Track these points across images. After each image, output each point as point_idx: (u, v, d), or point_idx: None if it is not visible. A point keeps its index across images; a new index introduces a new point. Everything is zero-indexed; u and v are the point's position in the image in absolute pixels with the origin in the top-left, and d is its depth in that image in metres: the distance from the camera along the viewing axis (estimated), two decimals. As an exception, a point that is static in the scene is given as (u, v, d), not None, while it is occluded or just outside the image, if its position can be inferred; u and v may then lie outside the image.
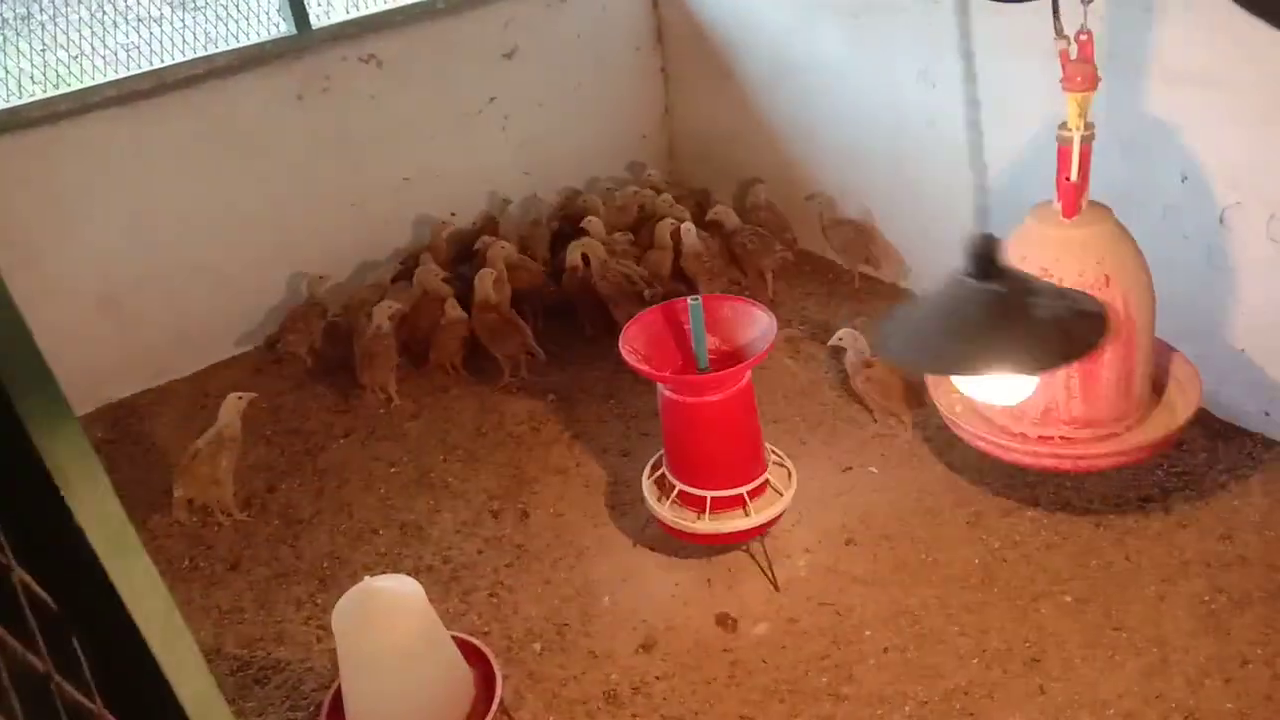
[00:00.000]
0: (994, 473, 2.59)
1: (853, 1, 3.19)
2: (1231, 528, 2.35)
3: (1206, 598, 2.20)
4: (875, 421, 2.87)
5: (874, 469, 2.72)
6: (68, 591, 0.56)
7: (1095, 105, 2.04)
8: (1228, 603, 2.17)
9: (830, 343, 2.87)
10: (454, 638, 2.08)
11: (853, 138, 3.42)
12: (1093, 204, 1.96)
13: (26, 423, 0.52)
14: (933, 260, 3.23)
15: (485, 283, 3.22)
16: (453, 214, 3.84)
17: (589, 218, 3.53)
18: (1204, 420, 2.61)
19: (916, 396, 2.74)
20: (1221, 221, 2.43)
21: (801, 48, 3.46)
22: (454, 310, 3.26)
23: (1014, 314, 1.09)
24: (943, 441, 2.70)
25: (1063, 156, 1.90)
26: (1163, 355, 2.20)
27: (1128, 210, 2.35)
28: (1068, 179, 1.90)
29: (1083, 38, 1.85)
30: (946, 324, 1.15)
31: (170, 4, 3.63)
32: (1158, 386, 2.21)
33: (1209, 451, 2.55)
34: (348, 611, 1.90)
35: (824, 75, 3.41)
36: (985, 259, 1.14)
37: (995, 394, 1.59)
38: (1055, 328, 1.07)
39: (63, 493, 0.53)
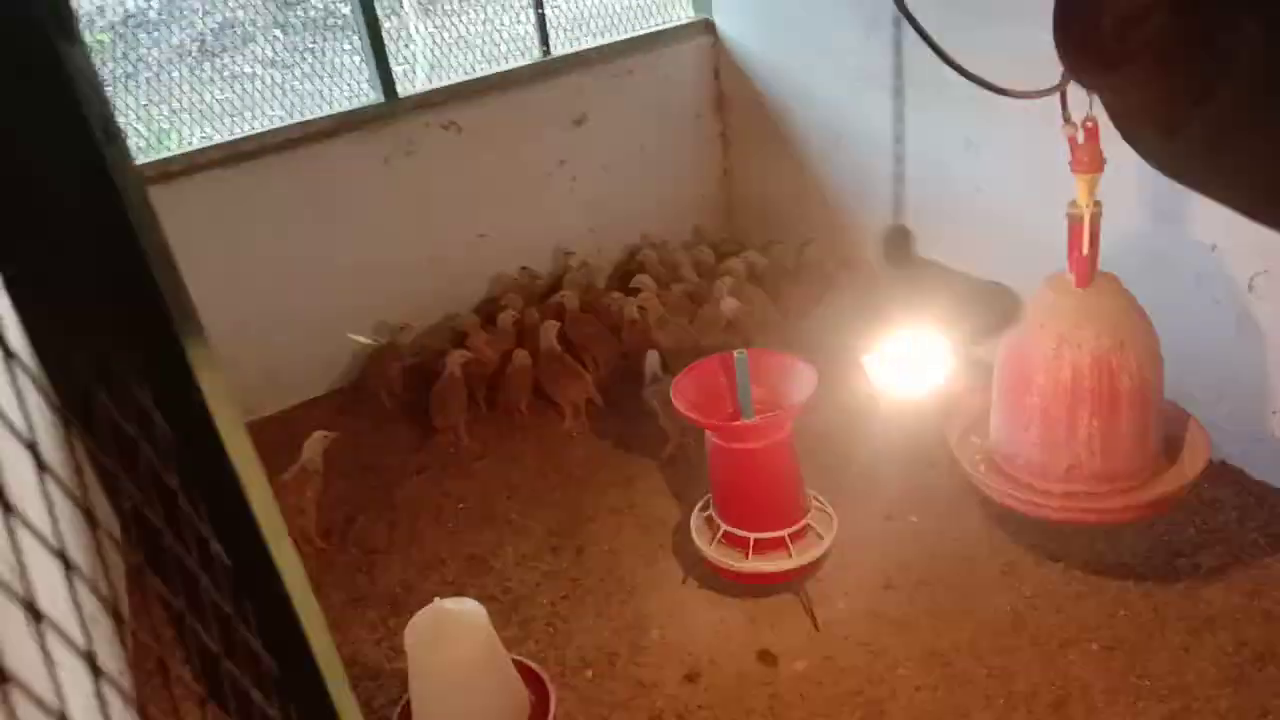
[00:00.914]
0: (1029, 525, 2.70)
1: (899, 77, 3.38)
2: (1259, 584, 2.43)
3: (1230, 650, 2.28)
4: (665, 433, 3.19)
5: (914, 518, 2.86)
6: (235, 554, 0.76)
7: (1128, 177, 2.19)
8: (1251, 655, 2.26)
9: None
10: (513, 660, 2.27)
11: (902, 204, 3.59)
12: (1103, 274, 2.11)
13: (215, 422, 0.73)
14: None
15: (549, 334, 3.45)
16: (523, 267, 4.10)
17: (640, 276, 3.75)
18: (1237, 480, 2.71)
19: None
20: (1250, 288, 2.55)
21: (853, 117, 3.66)
22: (521, 358, 3.49)
23: (931, 291, 1.24)
24: (982, 494, 2.82)
25: (1074, 232, 2.06)
26: (1176, 417, 2.31)
27: (1160, 277, 2.49)
28: (1080, 253, 2.06)
29: (1089, 124, 2.01)
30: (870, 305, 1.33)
31: (261, 62, 3.98)
32: (1173, 447, 2.32)
33: (1240, 510, 2.63)
34: (419, 629, 2.10)
35: (874, 143, 3.60)
36: (900, 248, 1.32)
37: (905, 381, 1.71)
38: (973, 298, 1.22)
39: (244, 485, 0.73)
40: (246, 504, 0.74)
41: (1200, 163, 0.80)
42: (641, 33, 4.24)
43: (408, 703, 2.22)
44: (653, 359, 3.27)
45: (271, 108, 3.76)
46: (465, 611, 2.13)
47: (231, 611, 0.70)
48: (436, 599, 2.14)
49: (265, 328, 3.72)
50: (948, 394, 2.62)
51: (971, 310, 1.18)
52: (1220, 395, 2.66)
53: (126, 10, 3.86)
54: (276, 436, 3.66)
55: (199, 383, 0.68)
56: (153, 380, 0.66)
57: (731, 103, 4.37)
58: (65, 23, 0.57)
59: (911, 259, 1.30)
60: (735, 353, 2.45)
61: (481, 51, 4.08)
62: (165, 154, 3.55)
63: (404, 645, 2.13)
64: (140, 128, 3.62)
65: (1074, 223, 2.12)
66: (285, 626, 0.77)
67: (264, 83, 3.83)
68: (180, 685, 0.61)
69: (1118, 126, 0.87)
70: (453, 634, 2.07)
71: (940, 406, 2.72)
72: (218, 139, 3.63)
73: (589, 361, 3.61)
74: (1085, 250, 2.08)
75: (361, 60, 3.80)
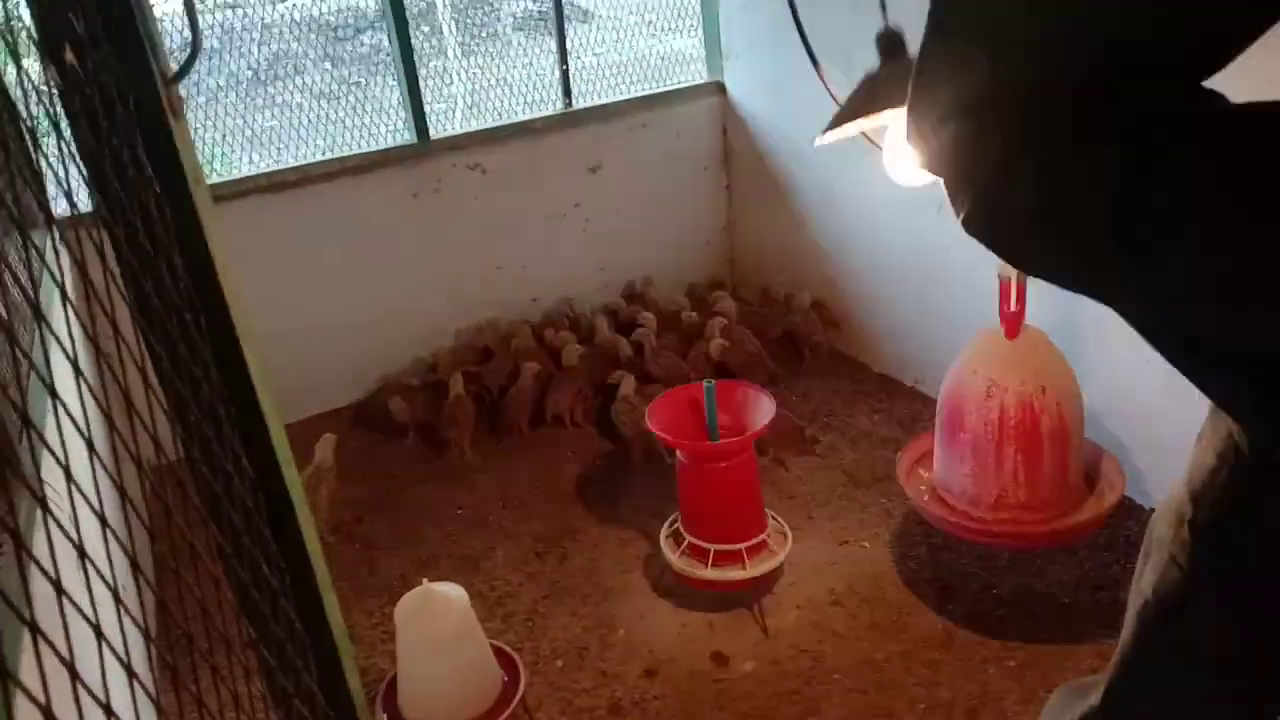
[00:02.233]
0: (970, 555, 2.97)
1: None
2: (1170, 618, 2.67)
3: (1134, 673, 2.52)
4: (634, 452, 3.62)
5: (866, 544, 3.13)
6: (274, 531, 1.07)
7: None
8: (1151, 678, 2.49)
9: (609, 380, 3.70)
10: (491, 645, 2.56)
11: (883, 257, 3.91)
12: (1029, 328, 2.40)
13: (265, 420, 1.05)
14: (931, 355, 3.67)
15: (570, 356, 3.92)
16: (534, 299, 4.44)
17: (643, 313, 4.09)
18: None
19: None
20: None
21: (845, 178, 3.99)
22: (524, 379, 3.84)
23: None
24: (929, 526, 3.09)
25: (1004, 290, 2.35)
26: (1096, 456, 2.58)
27: (1099, 337, 2.77)
28: (1009, 308, 2.36)
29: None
30: (871, 97, 1.62)
31: (309, 93, 4.35)
32: (1092, 482, 2.58)
33: (1161, 552, 2.88)
34: (408, 606, 2.40)
35: (862, 203, 3.92)
36: (892, 43, 1.62)
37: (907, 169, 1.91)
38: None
39: (284, 473, 1.05)
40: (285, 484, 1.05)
41: (979, 223, 1.06)
42: (657, 90, 4.61)
43: (395, 675, 2.51)
44: (627, 381, 3.63)
45: (316, 136, 4.12)
46: (448, 594, 2.43)
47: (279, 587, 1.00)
48: (425, 580, 2.44)
49: (293, 343, 4.05)
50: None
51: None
52: (1148, 445, 2.93)
53: (185, 38, 4.25)
54: (303, 441, 3.98)
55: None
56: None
57: (737, 158, 4.71)
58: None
59: (906, 53, 1.61)
60: (705, 382, 2.75)
61: (518, 94, 4.43)
62: (214, 179, 3.93)
63: (394, 622, 2.43)
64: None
65: (1004, 281, 2.42)
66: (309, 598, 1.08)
67: (310, 112, 4.18)
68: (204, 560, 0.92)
69: (944, 187, 1.15)
70: (437, 610, 2.37)
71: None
72: (263, 165, 4.01)
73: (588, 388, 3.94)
74: (1013, 306, 2.37)
75: (396, 97, 4.17)
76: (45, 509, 0.54)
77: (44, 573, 0.53)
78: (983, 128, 1.00)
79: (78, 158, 0.86)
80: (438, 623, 2.36)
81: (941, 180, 1.18)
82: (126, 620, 0.73)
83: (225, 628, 0.93)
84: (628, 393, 3.66)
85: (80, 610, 0.56)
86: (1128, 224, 0.90)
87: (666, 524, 2.98)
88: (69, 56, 0.80)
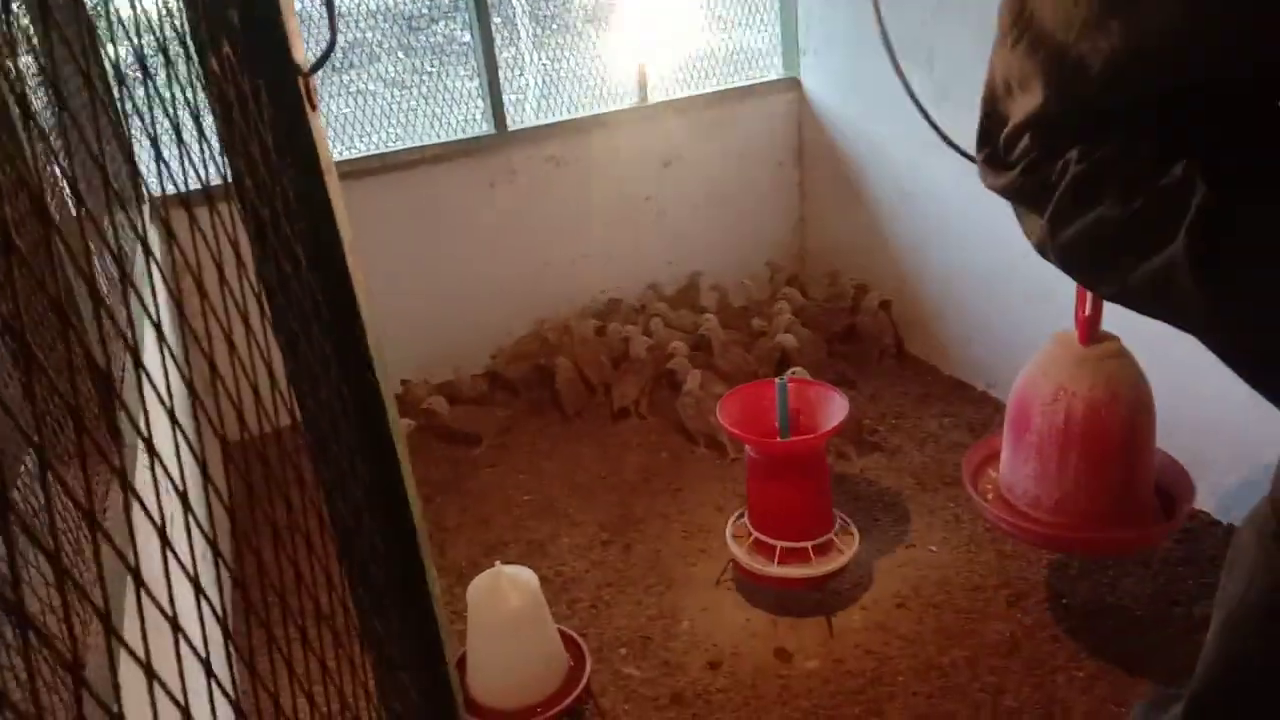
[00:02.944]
0: (1039, 564, 2.94)
1: (960, 143, 3.67)
2: (1247, 637, 2.61)
3: (1208, 691, 2.47)
4: (698, 445, 3.68)
5: (934, 548, 3.11)
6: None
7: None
8: (1226, 697, 2.45)
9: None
10: (558, 629, 2.60)
11: (957, 259, 3.87)
12: (1104, 334, 2.37)
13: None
14: (1005, 360, 3.62)
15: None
16: (602, 291, 4.48)
17: (706, 314, 4.11)
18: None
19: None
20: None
21: (921, 177, 3.95)
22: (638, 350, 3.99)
23: None
24: (998, 532, 3.06)
25: (1080, 294, 2.32)
26: (1169, 467, 2.53)
27: (1188, 348, 2.71)
28: (1084, 313, 2.32)
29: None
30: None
31: (383, 81, 4.43)
32: (1164, 494, 2.53)
33: (1240, 569, 2.82)
34: (480, 587, 2.45)
35: (938, 203, 3.89)
36: None
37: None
38: None
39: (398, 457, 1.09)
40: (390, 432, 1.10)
41: (1052, 246, 1.06)
42: (733, 86, 4.61)
43: (464, 655, 2.57)
44: (693, 376, 3.70)
45: (388, 124, 4.20)
46: (519, 576, 2.48)
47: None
48: (498, 563, 2.49)
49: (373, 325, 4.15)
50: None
51: None
52: (1229, 460, 2.86)
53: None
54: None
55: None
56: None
57: (811, 155, 4.70)
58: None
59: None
60: (777, 379, 2.76)
61: (588, 88, 4.47)
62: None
63: (466, 602, 2.48)
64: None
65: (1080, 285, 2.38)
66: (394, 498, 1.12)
67: (383, 100, 4.27)
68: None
69: (1014, 211, 1.16)
70: (508, 592, 2.42)
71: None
72: (338, 151, 4.09)
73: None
74: (1088, 311, 2.34)
75: (475, 87, 4.23)
76: (152, 451, 0.57)
77: (149, 515, 0.55)
78: (1055, 150, 0.99)
79: (215, 142, 0.90)
80: (509, 604, 2.41)
81: (1014, 205, 1.17)
82: (212, 588, 0.78)
83: (316, 601, 0.97)
84: (693, 387, 3.68)
85: (180, 562, 0.58)
86: (1212, 250, 0.89)
87: (732, 518, 3.00)
88: (225, 49, 0.84)
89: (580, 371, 4.02)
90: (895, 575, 3.01)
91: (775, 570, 2.78)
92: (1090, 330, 2.31)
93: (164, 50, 0.83)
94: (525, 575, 2.49)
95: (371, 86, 4.33)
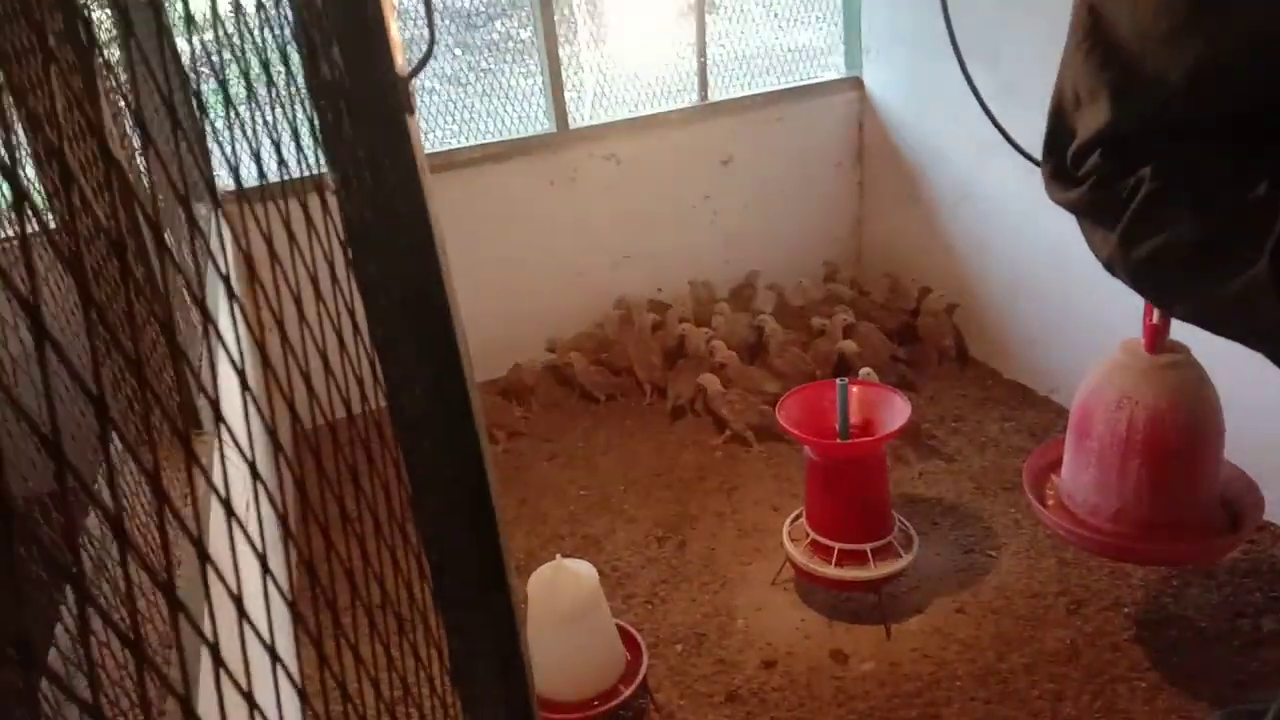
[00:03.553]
0: (1101, 572, 2.91)
1: (1024, 144, 3.63)
2: (1317, 652, 2.56)
3: (1276, 706, 2.43)
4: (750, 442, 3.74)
5: (993, 553, 3.08)
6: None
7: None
8: (1295, 713, 2.40)
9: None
10: (615, 624, 2.63)
11: (1020, 262, 3.83)
12: (1173, 342, 2.33)
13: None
14: (1069, 366, 3.58)
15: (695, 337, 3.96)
16: (659, 290, 4.50)
17: (763, 315, 4.12)
18: (1313, 555, 2.83)
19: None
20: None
21: (984, 178, 3.91)
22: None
23: None
24: (1056, 539, 3.03)
25: (1148, 306, 2.29)
26: (1236, 480, 2.48)
27: (1252, 355, 2.66)
28: (1151, 321, 2.29)
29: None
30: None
31: (441, 78, 4.48)
32: (1230, 506, 2.48)
33: (1310, 582, 2.76)
34: (542, 579, 2.49)
35: (1001, 204, 3.85)
36: None
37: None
38: None
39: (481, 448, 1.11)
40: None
41: (1123, 264, 1.04)
42: (793, 85, 4.60)
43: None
44: (709, 379, 3.84)
45: (447, 120, 4.25)
46: (580, 570, 2.51)
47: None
48: (559, 555, 2.52)
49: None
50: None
51: None
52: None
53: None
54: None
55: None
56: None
57: (871, 155, 4.67)
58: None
59: None
60: (838, 380, 2.76)
61: (645, 87, 4.49)
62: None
63: (526, 593, 2.52)
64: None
65: (1150, 295, 2.34)
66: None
67: (442, 97, 4.33)
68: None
69: (1080, 226, 1.14)
70: (569, 585, 2.45)
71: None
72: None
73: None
74: (1156, 319, 2.30)
75: (534, 85, 4.26)
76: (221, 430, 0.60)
77: (215, 492, 0.56)
78: (1127, 167, 0.97)
79: (321, 142, 0.94)
80: (569, 596, 2.44)
81: (1080, 220, 1.15)
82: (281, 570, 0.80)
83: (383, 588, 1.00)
84: (716, 391, 3.78)
85: (249, 538, 0.59)
86: None
87: (789, 519, 3.00)
88: (335, 53, 0.87)
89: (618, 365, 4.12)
90: (953, 580, 2.99)
91: (833, 572, 2.78)
92: (1158, 339, 2.28)
93: (282, 53, 0.86)
94: (585, 568, 2.53)
95: (430, 84, 4.38)
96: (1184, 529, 2.34)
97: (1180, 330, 2.40)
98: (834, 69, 4.67)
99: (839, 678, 2.70)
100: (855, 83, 4.60)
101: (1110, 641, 2.68)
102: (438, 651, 1.10)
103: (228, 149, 0.80)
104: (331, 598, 0.77)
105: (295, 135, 0.90)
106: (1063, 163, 1.05)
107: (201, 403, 1.79)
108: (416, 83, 1.05)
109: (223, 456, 0.64)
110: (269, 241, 0.73)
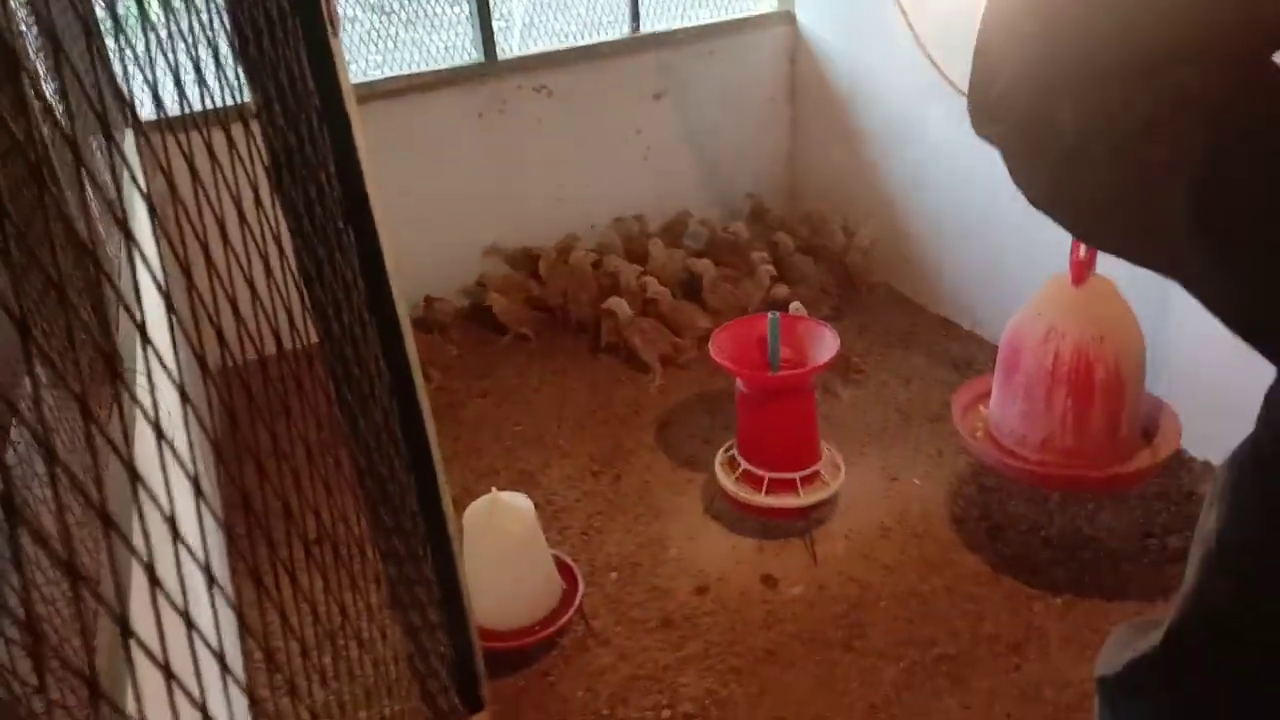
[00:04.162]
0: (1020, 498, 3.02)
1: (958, 81, 3.66)
2: (1216, 568, 2.71)
3: (1177, 618, 2.58)
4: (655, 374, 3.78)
5: (918, 480, 3.19)
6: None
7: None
8: (1194, 624, 2.55)
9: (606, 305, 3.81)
10: (552, 555, 2.66)
11: (948, 199, 3.89)
12: (1097, 276, 2.41)
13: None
14: (994, 300, 3.68)
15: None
16: (592, 226, 4.48)
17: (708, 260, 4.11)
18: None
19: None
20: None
21: (913, 118, 3.95)
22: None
23: None
24: (983, 468, 3.14)
25: (1075, 241, 2.36)
26: (1155, 408, 2.60)
27: (1172, 287, 2.76)
28: (1078, 256, 2.36)
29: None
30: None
31: (364, 6, 4.33)
32: (1149, 434, 2.61)
33: (1212, 503, 2.91)
34: (477, 512, 2.50)
35: (932, 143, 3.89)
36: None
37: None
38: None
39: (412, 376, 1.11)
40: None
41: (1047, 200, 1.06)
42: (726, 19, 4.56)
43: (459, 578, 2.63)
44: (617, 303, 3.83)
45: (370, 50, 4.11)
46: (516, 503, 2.53)
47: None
48: (494, 489, 2.54)
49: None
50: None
51: None
52: (1212, 401, 2.93)
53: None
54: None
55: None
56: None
57: (804, 91, 4.67)
58: None
59: None
60: (769, 314, 2.79)
61: (577, 17, 4.40)
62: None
63: (462, 526, 2.53)
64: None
65: (1076, 229, 2.41)
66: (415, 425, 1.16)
67: (364, 26, 4.17)
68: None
69: (1005, 162, 1.15)
70: (504, 518, 2.47)
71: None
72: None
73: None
74: (1082, 255, 2.38)
75: (461, 13, 4.15)
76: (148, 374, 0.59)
77: (147, 417, 0.56)
78: (1049, 106, 0.99)
79: (243, 67, 0.91)
80: (505, 530, 2.47)
81: (1004, 158, 1.17)
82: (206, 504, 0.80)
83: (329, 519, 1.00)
84: (626, 317, 3.80)
85: (182, 463, 0.59)
86: (1210, 207, 0.90)
87: (722, 450, 3.05)
88: (254, -30, 0.84)
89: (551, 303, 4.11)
90: (879, 506, 3.09)
91: (763, 500, 2.85)
92: (1084, 273, 2.35)
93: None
94: (521, 501, 2.54)
95: (353, 12, 4.23)
96: (1107, 457, 2.45)
97: (1106, 264, 2.48)
98: (767, 2, 4.63)
99: (769, 601, 2.78)
100: (788, 17, 4.57)
101: (1029, 564, 2.81)
102: (375, 582, 1.11)
103: (146, 70, 0.77)
104: (265, 523, 0.77)
105: (215, 54, 0.87)
106: (985, 98, 1.06)
107: (125, 336, 1.74)
108: (340, 6, 1.01)
109: (150, 381, 0.62)
110: (190, 162, 0.71)
